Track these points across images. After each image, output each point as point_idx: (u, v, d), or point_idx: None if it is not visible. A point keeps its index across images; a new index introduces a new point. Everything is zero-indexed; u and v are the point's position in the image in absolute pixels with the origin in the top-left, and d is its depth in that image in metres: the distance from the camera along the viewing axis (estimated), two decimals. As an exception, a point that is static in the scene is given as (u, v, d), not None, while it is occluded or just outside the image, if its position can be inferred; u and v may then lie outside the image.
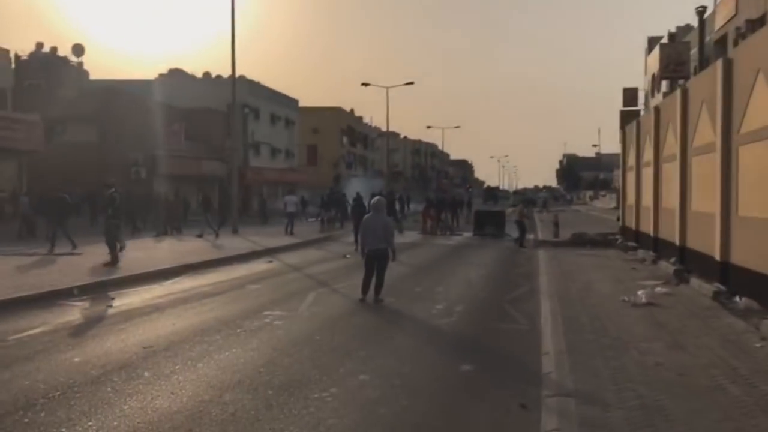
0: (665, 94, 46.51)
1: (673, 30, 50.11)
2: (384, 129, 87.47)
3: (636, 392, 6.12)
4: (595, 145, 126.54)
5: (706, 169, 14.28)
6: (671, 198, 17.74)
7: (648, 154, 21.41)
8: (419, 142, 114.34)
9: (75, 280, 12.67)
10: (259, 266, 16.81)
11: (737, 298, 11.28)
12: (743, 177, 11.79)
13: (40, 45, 43.54)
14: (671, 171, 17.84)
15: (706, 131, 14.27)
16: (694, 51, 40.63)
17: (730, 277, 12.33)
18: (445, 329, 9.43)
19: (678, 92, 16.71)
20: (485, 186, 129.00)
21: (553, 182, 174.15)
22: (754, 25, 30.07)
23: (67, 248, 17.96)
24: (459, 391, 6.54)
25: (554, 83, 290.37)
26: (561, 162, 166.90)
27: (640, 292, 11.56)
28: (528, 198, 76.50)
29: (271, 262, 17.72)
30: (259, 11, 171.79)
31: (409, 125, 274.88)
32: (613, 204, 68.30)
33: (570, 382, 6.48)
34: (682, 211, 16.26)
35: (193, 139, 44.35)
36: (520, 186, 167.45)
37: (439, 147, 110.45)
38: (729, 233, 12.44)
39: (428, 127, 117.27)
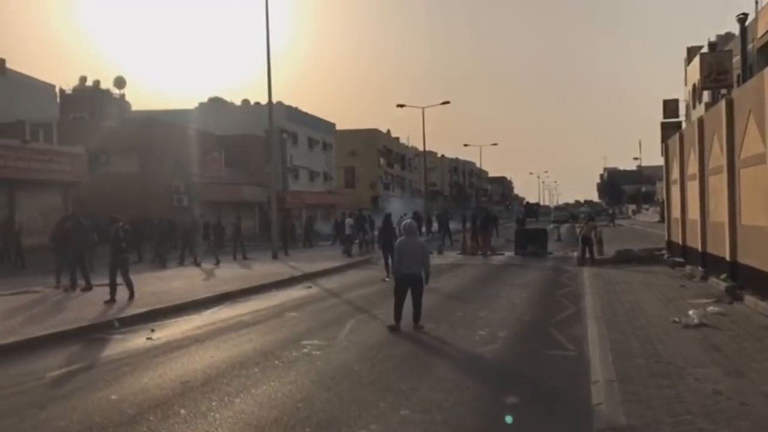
0: (707, 105, 45.43)
1: (713, 39, 49.07)
2: (421, 148, 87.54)
3: (695, 425, 5.74)
4: (636, 158, 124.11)
5: (756, 182, 13.72)
6: (719, 211, 17.12)
7: (693, 167, 20.78)
8: (457, 160, 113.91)
9: (116, 312, 12.72)
10: (298, 292, 16.69)
11: (796, 316, 10.74)
12: (798, 189, 11.28)
13: (83, 79, 44.79)
14: (718, 184, 17.24)
15: (755, 142, 13.72)
16: (736, 59, 39.66)
17: (787, 293, 11.78)
18: (489, 357, 9.11)
19: (723, 103, 16.18)
20: (525, 202, 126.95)
21: (594, 197, 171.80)
22: (798, 30, 29.28)
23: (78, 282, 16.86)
24: (505, 426, 6.23)
25: (592, 97, 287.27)
26: (602, 176, 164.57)
27: (691, 312, 11.06)
28: (572, 213, 74.97)
29: (309, 287, 17.60)
30: (294, 37, 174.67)
31: (446, 143, 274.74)
32: (657, 218, 66.81)
33: (622, 414, 6.12)
34: (731, 225, 15.64)
35: (233, 166, 44.93)
36: (561, 201, 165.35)
37: (477, 165, 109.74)
38: (785, 248, 11.91)
39: (465, 145, 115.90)
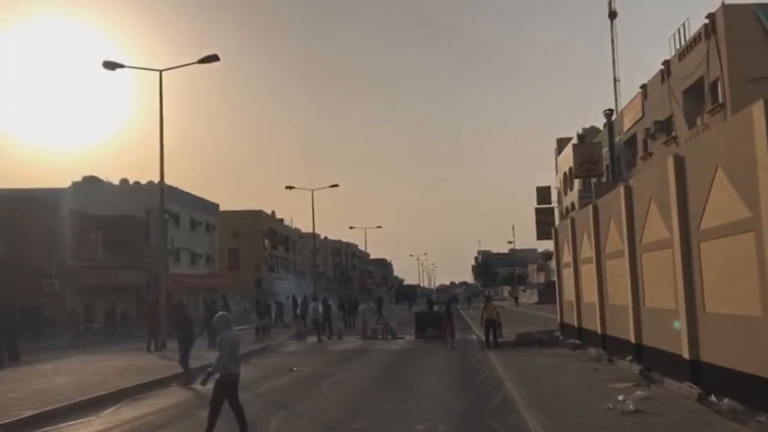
0: (579, 192, 48.41)
1: (580, 131, 52.77)
2: (305, 230, 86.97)
3: None
4: (510, 242, 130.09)
5: (660, 266, 14.28)
6: (620, 295, 17.70)
7: (587, 251, 21.59)
8: (339, 242, 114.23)
9: (-2, 417, 11.04)
10: (201, 387, 15.32)
11: (713, 398, 10.99)
12: (709, 273, 11.75)
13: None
14: (617, 267, 17.89)
15: (658, 228, 14.38)
16: (604, 150, 42.74)
17: (702, 375, 12.10)
18: (440, 456, 8.54)
19: (621, 190, 16.99)
20: (397, 285, 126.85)
21: (469, 278, 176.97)
22: (662, 125, 32.04)
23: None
24: None
25: (468, 183, 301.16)
26: (476, 258, 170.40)
27: (621, 398, 11.09)
28: (452, 294, 76.13)
29: (211, 381, 16.25)
30: (175, 114, 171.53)
31: (329, 225, 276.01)
32: (535, 299, 69.26)
33: None
34: (635, 308, 16.17)
35: (110, 248, 42.34)
36: (438, 283, 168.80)
37: (360, 246, 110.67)
38: (697, 330, 12.29)
39: (351, 227, 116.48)
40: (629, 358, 16.15)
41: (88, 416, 11.58)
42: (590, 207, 20.84)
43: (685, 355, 12.56)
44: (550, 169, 63.35)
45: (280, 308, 36.15)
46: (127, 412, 12.10)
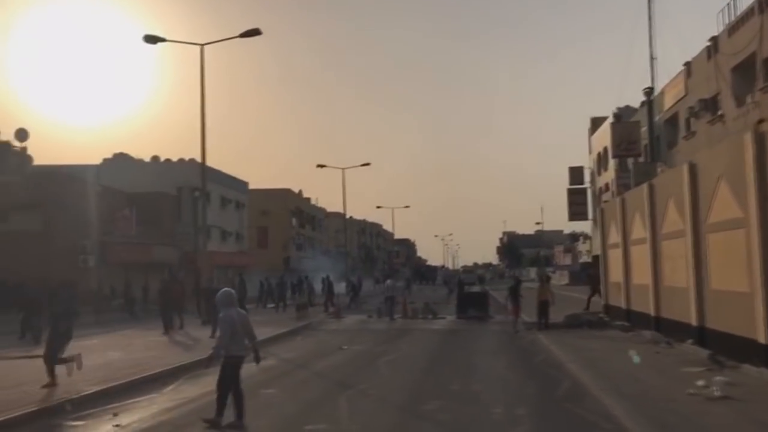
0: (616, 172, 47.48)
1: (615, 110, 51.51)
2: (330, 209, 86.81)
3: None
4: (538, 223, 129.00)
5: (731, 246, 13.73)
6: (678, 276, 17.15)
7: (639, 232, 21.00)
8: (364, 222, 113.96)
9: (63, 392, 10.82)
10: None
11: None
12: (792, 255, 11.22)
13: (-21, 130, 41.28)
14: (676, 248, 17.32)
15: (728, 207, 13.80)
16: (643, 130, 41.74)
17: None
18: (531, 441, 8.17)
19: (684, 167, 16.37)
20: (415, 264, 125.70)
21: (493, 259, 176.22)
22: (707, 104, 31.08)
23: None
24: None
25: (494, 164, 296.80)
26: (501, 239, 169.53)
27: (700, 383, 10.64)
28: (480, 275, 75.61)
29: (264, 358, 16.02)
30: (207, 91, 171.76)
31: (354, 205, 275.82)
32: (565, 281, 68.54)
33: None
34: (698, 290, 15.63)
35: (142, 224, 42.42)
36: (461, 264, 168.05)
37: (384, 226, 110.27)
38: (777, 314, 11.77)
39: (378, 207, 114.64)
40: (690, 341, 15.65)
41: (150, 393, 11.34)
42: (645, 186, 20.20)
43: (761, 339, 12.07)
44: (577, 150, 62.41)
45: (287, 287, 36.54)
46: (188, 389, 11.84)
